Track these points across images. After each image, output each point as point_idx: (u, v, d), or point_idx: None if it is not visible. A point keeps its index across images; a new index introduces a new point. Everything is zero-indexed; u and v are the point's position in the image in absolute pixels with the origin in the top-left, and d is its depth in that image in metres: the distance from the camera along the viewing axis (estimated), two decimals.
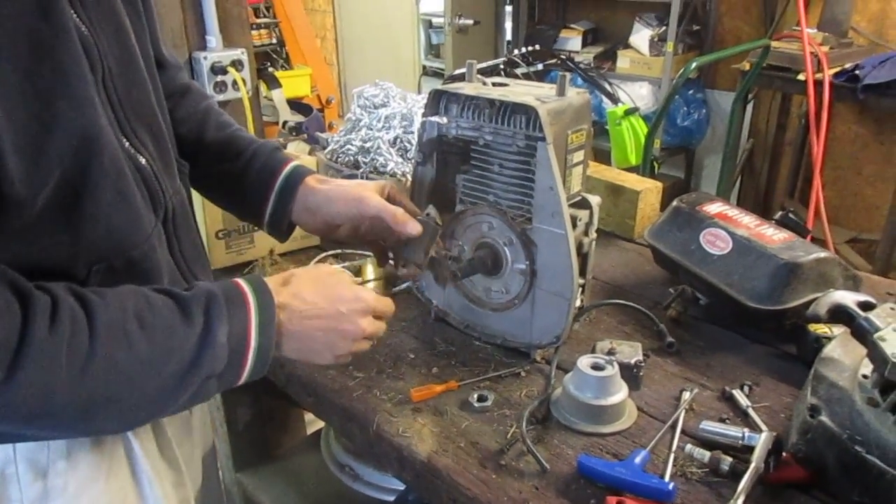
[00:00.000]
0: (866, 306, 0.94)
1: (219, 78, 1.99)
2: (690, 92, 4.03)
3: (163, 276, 0.87)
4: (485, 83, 1.19)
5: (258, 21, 2.33)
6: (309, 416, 2.33)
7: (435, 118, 1.17)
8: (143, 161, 0.84)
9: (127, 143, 0.81)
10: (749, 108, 3.81)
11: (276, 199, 1.08)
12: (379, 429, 1.05)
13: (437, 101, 1.17)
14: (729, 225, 1.27)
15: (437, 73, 5.29)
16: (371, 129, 1.60)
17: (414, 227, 1.05)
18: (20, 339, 0.64)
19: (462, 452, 0.99)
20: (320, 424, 2.30)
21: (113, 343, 0.70)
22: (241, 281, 0.83)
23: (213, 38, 2.01)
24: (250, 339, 0.80)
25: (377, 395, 1.11)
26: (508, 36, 4.92)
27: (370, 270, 1.40)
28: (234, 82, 2.00)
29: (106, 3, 0.81)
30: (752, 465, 0.88)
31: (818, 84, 2.96)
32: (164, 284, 0.86)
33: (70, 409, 0.70)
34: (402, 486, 1.47)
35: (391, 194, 1.09)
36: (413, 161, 1.20)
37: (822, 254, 1.16)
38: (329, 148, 1.67)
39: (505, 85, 1.19)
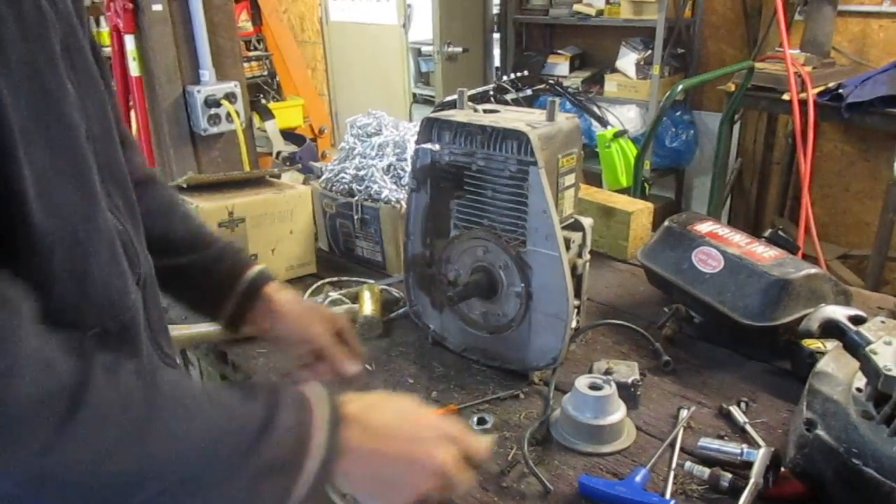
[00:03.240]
0: (857, 320, 0.95)
1: (212, 111, 2.01)
2: (678, 114, 4.09)
3: (142, 346, 0.83)
4: (476, 109, 1.22)
5: (250, 53, 2.36)
6: None
7: (427, 145, 1.20)
8: (119, 225, 0.82)
9: (106, 209, 0.80)
10: (736, 128, 3.87)
11: (239, 299, 1.05)
12: None
13: (430, 129, 1.20)
14: (720, 243, 1.29)
15: (427, 101, 5.35)
16: (365, 158, 1.62)
17: (354, 368, 1.03)
18: (79, 385, 0.59)
19: None
20: None
21: (169, 410, 0.64)
22: (305, 388, 0.75)
23: (207, 72, 2.04)
24: (316, 429, 0.69)
25: None
26: (497, 63, 4.99)
27: (367, 297, 1.40)
28: (228, 115, 2.02)
29: (88, 69, 0.80)
30: (752, 481, 0.89)
31: (803, 103, 3.01)
32: (143, 354, 0.83)
33: (115, 480, 0.62)
34: None
35: (340, 331, 1.06)
36: (407, 188, 1.22)
37: (813, 270, 1.18)
38: (324, 177, 1.68)
39: (496, 111, 1.22)
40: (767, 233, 1.32)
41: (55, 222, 0.68)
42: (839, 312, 0.96)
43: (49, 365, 0.59)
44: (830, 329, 0.95)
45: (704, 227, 1.35)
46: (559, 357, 1.17)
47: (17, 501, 0.60)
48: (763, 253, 1.24)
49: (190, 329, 1.30)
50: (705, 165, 4.20)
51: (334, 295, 1.48)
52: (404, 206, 1.53)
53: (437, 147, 1.19)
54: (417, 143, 1.21)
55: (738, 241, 1.29)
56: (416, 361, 1.28)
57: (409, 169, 1.58)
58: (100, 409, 0.60)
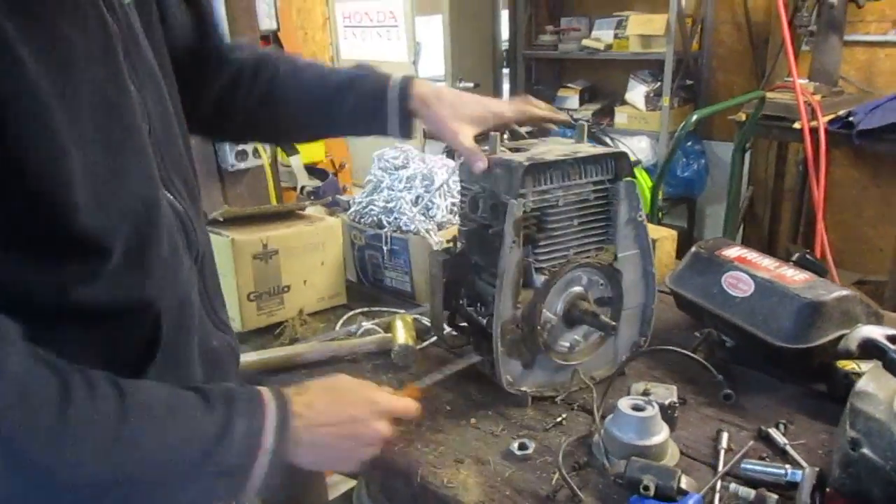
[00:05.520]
0: (895, 340, 0.97)
1: (240, 147, 2.06)
2: (688, 144, 4.13)
3: (195, 318, 0.93)
4: (509, 149, 1.22)
5: None
6: (331, 479, 2.32)
7: (521, 195, 1.12)
8: (180, 208, 0.91)
9: (168, 193, 0.89)
10: (747, 156, 3.91)
11: (397, 115, 1.18)
12: (424, 481, 1.06)
13: (530, 176, 1.13)
14: (749, 268, 1.31)
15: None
16: (393, 190, 1.66)
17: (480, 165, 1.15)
18: (61, 407, 0.67)
19: (509, 501, 1.01)
20: (342, 487, 2.30)
21: (141, 423, 0.73)
22: (260, 388, 0.86)
23: None
24: (264, 439, 0.80)
25: (418, 447, 1.13)
26: (506, 97, 5.07)
27: (399, 326, 1.42)
28: (255, 150, 2.07)
29: (148, 68, 0.89)
30: (801, 501, 0.90)
31: (814, 132, 3.05)
32: (196, 323, 0.92)
33: (91, 487, 0.71)
34: None
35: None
36: (502, 251, 1.13)
37: (845, 292, 1.20)
38: (352, 209, 1.71)
39: (524, 149, 1.22)
40: (795, 256, 1.34)
41: (113, 223, 0.75)
42: (877, 332, 0.98)
43: (33, 385, 0.66)
44: (870, 349, 0.96)
45: (732, 253, 1.37)
46: (646, 342, 1.32)
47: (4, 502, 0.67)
48: (793, 276, 1.26)
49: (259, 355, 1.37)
50: (717, 194, 4.23)
51: (367, 325, 1.50)
52: (434, 237, 1.56)
53: (531, 196, 1.15)
54: (508, 196, 1.12)
55: (768, 266, 1.31)
56: (451, 389, 1.29)
57: (438, 202, 1.62)
58: (80, 424, 0.68)
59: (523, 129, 1.28)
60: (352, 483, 2.05)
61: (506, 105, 1.22)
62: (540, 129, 1.30)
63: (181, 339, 0.89)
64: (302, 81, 1.21)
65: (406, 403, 1.00)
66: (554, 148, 1.20)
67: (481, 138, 1.19)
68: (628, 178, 1.20)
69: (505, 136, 1.24)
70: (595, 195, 1.19)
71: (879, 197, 3.68)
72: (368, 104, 1.19)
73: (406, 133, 1.21)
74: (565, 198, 1.16)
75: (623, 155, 1.20)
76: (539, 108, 1.24)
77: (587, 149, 1.20)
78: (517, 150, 1.20)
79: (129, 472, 0.72)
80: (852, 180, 3.75)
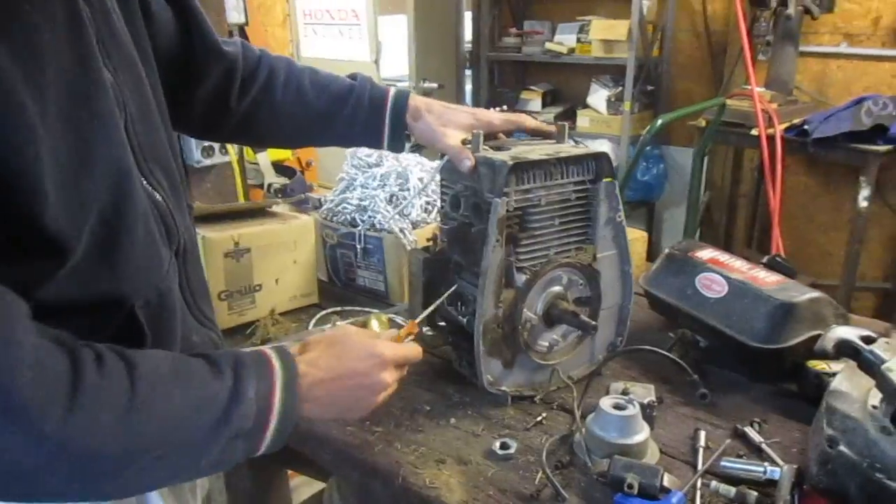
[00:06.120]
0: (868, 340, 0.99)
1: (206, 143, 2.01)
2: (648, 148, 4.19)
3: (178, 309, 0.91)
4: (491, 148, 1.22)
5: None
6: (295, 482, 2.28)
7: (505, 193, 1.11)
8: (158, 198, 0.89)
9: (145, 182, 0.86)
10: (704, 162, 3.99)
11: (390, 130, 1.22)
12: (405, 482, 1.05)
13: (513, 175, 1.12)
14: (723, 269, 1.33)
15: None
16: (366, 188, 1.64)
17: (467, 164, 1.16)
18: (74, 381, 0.67)
19: (493, 501, 1.00)
20: (308, 491, 2.26)
21: (152, 392, 0.73)
22: (265, 348, 0.87)
23: None
24: (274, 399, 0.82)
25: (398, 448, 1.11)
26: (468, 99, 5.07)
27: (375, 325, 1.41)
28: (223, 147, 2.02)
29: (126, 55, 0.86)
30: (781, 498, 0.91)
31: (771, 139, 3.13)
32: (179, 317, 0.90)
33: (111, 459, 0.70)
34: None
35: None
36: (485, 250, 1.12)
37: (815, 294, 1.23)
38: (324, 207, 1.69)
39: (507, 148, 1.21)
40: (766, 259, 1.37)
41: (78, 213, 0.73)
42: (851, 333, 1.00)
43: (46, 359, 0.66)
44: (845, 349, 0.99)
45: (706, 254, 1.39)
46: (622, 342, 1.34)
47: (31, 477, 0.67)
48: (765, 278, 1.29)
49: None
50: (675, 198, 4.31)
51: (341, 324, 1.48)
52: (409, 236, 1.55)
53: (514, 195, 1.14)
54: (491, 195, 1.12)
55: (740, 267, 1.33)
56: (430, 389, 1.28)
57: (413, 201, 1.61)
58: (93, 397, 0.67)
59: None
60: (319, 486, 2.02)
61: (495, 114, 1.24)
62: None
63: (163, 334, 0.87)
64: (300, 87, 1.20)
65: (409, 350, 1.01)
66: (536, 148, 1.20)
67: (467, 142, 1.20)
68: (608, 179, 1.21)
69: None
70: (576, 195, 1.20)
71: (831, 204, 3.80)
72: (365, 116, 1.21)
73: (397, 147, 1.24)
74: (547, 197, 1.17)
75: (604, 156, 1.21)
76: (529, 120, 1.28)
77: (569, 149, 1.20)
78: (499, 149, 1.19)
79: (145, 443, 0.72)
80: (805, 187, 3.86)
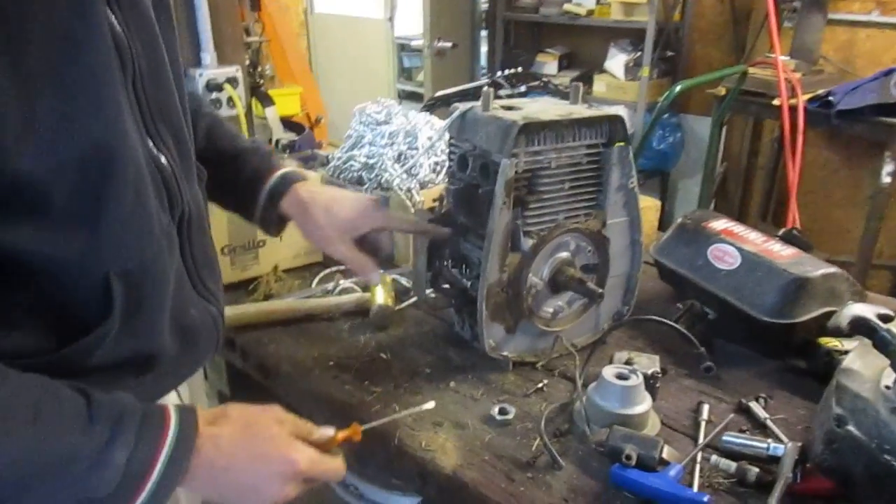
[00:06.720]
0: (885, 319, 0.96)
1: (213, 95, 1.97)
2: (665, 116, 4.12)
3: (170, 279, 0.86)
4: (502, 107, 1.18)
5: (248, 39, 2.32)
6: None
7: (514, 154, 1.08)
8: (164, 161, 0.84)
9: (150, 143, 0.82)
10: (722, 132, 3.91)
11: (265, 203, 1.10)
12: (401, 443, 1.04)
13: (524, 136, 1.08)
14: (736, 241, 1.29)
15: (411, 96, 5.31)
16: (374, 146, 1.61)
17: (374, 278, 1.13)
18: None
19: (488, 466, 0.99)
20: None
21: None
22: (170, 407, 0.77)
23: (208, 55, 2.00)
24: (152, 472, 0.71)
25: (396, 409, 1.10)
26: (483, 60, 4.98)
27: (378, 286, 1.38)
28: (230, 99, 1.99)
29: (142, 9, 0.82)
30: (783, 475, 0.89)
31: (792, 109, 3.05)
32: (171, 287, 0.85)
33: None
34: None
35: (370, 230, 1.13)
36: (491, 213, 1.09)
37: (831, 269, 1.19)
38: (331, 164, 1.66)
39: (519, 108, 1.17)
40: (781, 232, 1.33)
41: (55, 169, 0.68)
42: (868, 311, 0.97)
43: None
44: (860, 327, 0.96)
45: (719, 225, 1.35)
46: (629, 311, 1.32)
47: None
48: (780, 251, 1.25)
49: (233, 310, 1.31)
50: (690, 168, 4.24)
51: (345, 283, 1.46)
52: (416, 196, 1.52)
53: (524, 156, 1.10)
54: (500, 155, 1.08)
55: (754, 239, 1.30)
56: (431, 352, 1.26)
57: (422, 160, 1.57)
58: None
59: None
60: None
61: (378, 212, 1.14)
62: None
63: (145, 305, 0.81)
64: (214, 128, 1.12)
65: (329, 468, 0.84)
66: (548, 108, 1.16)
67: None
68: (622, 144, 1.17)
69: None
70: (588, 159, 1.16)
71: (850, 179, 3.72)
72: (242, 186, 1.11)
73: (270, 230, 1.14)
74: (558, 160, 1.13)
75: (618, 119, 1.17)
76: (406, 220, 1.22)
77: (582, 111, 1.16)
78: (510, 108, 1.15)
79: None
80: (824, 161, 3.78)
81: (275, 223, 1.12)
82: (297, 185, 1.11)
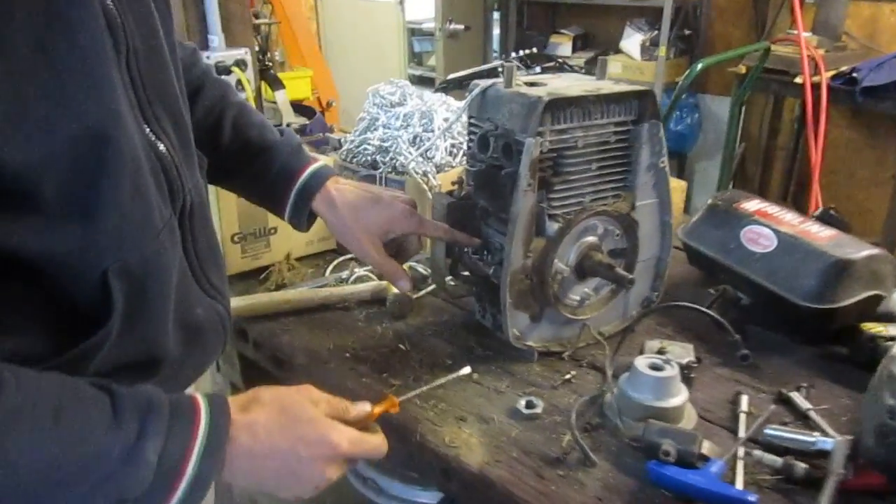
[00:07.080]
0: None
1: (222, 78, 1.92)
2: (682, 96, 4.03)
3: (172, 276, 0.80)
4: (525, 83, 1.12)
5: (257, 22, 2.27)
6: None
7: (538, 133, 1.02)
8: (162, 149, 0.78)
9: (147, 129, 0.77)
10: (741, 111, 3.82)
11: (295, 200, 1.07)
12: (423, 439, 0.99)
13: (549, 113, 1.02)
14: (771, 222, 1.23)
15: (421, 80, 5.23)
16: (388, 129, 1.55)
17: (404, 285, 1.09)
18: None
19: (516, 462, 0.94)
20: None
21: (12, 432, 0.59)
22: (199, 396, 0.73)
23: (216, 38, 1.95)
24: (187, 465, 0.67)
25: (417, 402, 1.05)
26: (496, 42, 4.89)
27: None
28: (238, 83, 1.93)
29: None
30: (834, 472, 0.84)
31: (815, 87, 2.96)
32: (174, 284, 0.79)
33: None
34: (428, 501, 1.41)
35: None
36: (515, 195, 1.03)
37: (875, 251, 1.13)
38: (344, 148, 1.60)
39: (543, 84, 1.12)
40: (818, 212, 1.27)
41: (41, 156, 0.62)
42: None
43: None
44: None
45: (752, 206, 1.29)
46: (658, 297, 1.26)
47: None
48: (819, 232, 1.19)
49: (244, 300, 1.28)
50: (708, 149, 4.16)
51: (360, 271, 1.41)
52: (433, 180, 1.46)
53: (549, 134, 1.04)
54: (523, 135, 1.02)
55: (790, 220, 1.23)
56: (451, 341, 1.21)
57: (438, 143, 1.51)
58: None
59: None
60: None
61: (413, 218, 1.10)
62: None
63: (147, 305, 0.76)
64: (218, 124, 1.07)
65: (370, 446, 0.81)
66: (573, 84, 1.10)
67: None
68: (653, 121, 1.11)
69: None
70: (616, 137, 1.10)
71: (873, 159, 3.63)
72: (271, 182, 1.07)
73: (300, 228, 1.10)
74: (585, 139, 1.07)
75: (649, 94, 1.10)
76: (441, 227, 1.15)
77: (610, 86, 1.10)
78: (533, 84, 1.09)
79: None
80: (847, 140, 3.69)
81: (305, 221, 1.09)
82: (329, 184, 1.07)
